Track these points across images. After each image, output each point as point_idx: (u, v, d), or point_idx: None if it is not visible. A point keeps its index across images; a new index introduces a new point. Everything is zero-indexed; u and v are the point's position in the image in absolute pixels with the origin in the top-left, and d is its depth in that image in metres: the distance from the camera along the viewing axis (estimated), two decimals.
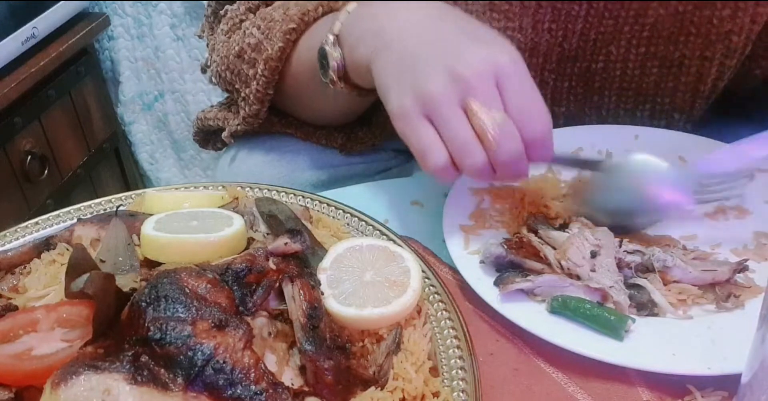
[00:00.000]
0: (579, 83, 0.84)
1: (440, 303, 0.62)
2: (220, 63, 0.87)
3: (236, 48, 0.83)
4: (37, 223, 0.74)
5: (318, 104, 0.86)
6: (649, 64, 0.80)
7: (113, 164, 2.03)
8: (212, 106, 0.95)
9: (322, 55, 0.72)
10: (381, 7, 0.68)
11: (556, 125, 0.86)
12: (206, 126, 0.94)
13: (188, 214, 0.65)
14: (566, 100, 0.86)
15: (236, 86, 0.85)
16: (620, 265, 0.64)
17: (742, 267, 0.63)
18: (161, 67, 1.94)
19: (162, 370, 0.47)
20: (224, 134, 0.89)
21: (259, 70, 0.80)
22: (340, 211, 0.73)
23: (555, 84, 0.85)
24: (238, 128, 0.87)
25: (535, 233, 0.69)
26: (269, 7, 0.83)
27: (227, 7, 0.89)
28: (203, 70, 0.93)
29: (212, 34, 0.92)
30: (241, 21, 0.86)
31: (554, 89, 0.86)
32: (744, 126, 0.66)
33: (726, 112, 0.85)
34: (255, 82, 0.81)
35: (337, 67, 0.71)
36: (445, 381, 0.55)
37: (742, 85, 0.84)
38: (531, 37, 0.81)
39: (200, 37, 0.95)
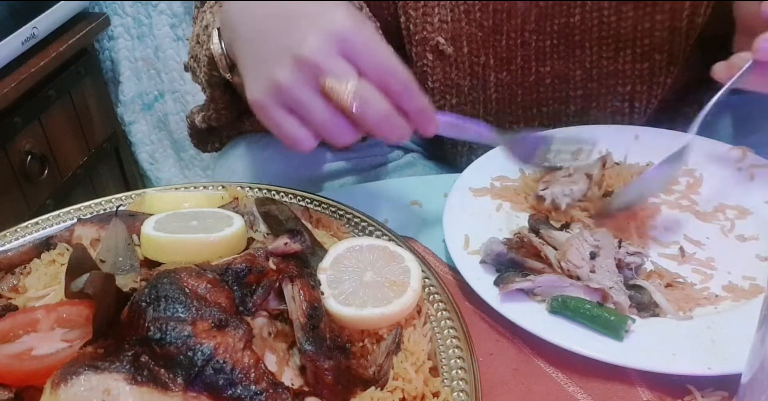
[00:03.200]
0: (560, 40, 0.85)
1: (440, 303, 0.62)
2: (188, 53, 0.87)
3: (195, 34, 0.83)
4: (37, 223, 0.74)
5: None
6: (623, 8, 0.82)
7: (113, 164, 2.03)
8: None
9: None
10: None
11: (543, 85, 0.89)
12: (194, 121, 0.94)
13: (188, 214, 0.65)
14: (550, 59, 0.87)
15: (197, 73, 0.86)
16: (620, 266, 0.64)
17: None
18: (161, 67, 1.94)
19: (162, 370, 0.47)
20: (197, 119, 0.89)
21: (204, 50, 0.80)
22: (340, 211, 0.73)
23: (537, 44, 0.86)
24: (212, 115, 0.87)
25: (536, 233, 0.69)
26: None
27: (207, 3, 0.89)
28: (186, 69, 0.93)
29: None
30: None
31: (537, 49, 0.87)
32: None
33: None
34: (203, 64, 0.81)
35: (225, 63, 0.72)
36: (445, 381, 0.55)
37: (722, 25, 0.84)
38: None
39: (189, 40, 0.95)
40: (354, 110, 0.58)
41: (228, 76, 0.74)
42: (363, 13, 0.63)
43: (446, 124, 0.66)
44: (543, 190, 0.73)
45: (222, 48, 0.72)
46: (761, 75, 0.65)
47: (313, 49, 0.59)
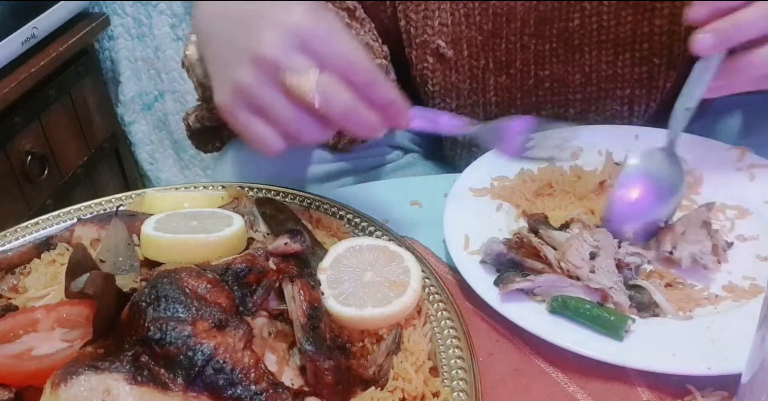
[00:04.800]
0: (559, 44, 0.86)
1: (440, 303, 0.62)
2: (184, 51, 0.87)
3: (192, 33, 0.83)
4: (37, 223, 0.74)
5: None
6: (623, 13, 0.82)
7: (113, 164, 2.03)
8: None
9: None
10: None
11: (542, 88, 0.89)
12: (188, 122, 0.94)
13: (188, 214, 0.65)
14: (549, 62, 0.87)
15: (190, 71, 0.86)
16: (620, 266, 0.64)
17: None
18: (161, 67, 1.94)
19: (162, 370, 0.47)
20: (191, 119, 0.88)
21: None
22: (340, 211, 0.73)
23: (536, 48, 0.86)
24: (206, 114, 0.87)
25: (536, 233, 0.69)
26: None
27: None
28: (182, 65, 0.93)
29: None
30: None
31: (536, 53, 0.87)
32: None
33: None
34: (197, 65, 0.80)
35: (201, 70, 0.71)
36: (445, 381, 0.55)
37: None
38: (507, 3, 0.83)
39: None
40: (317, 103, 0.57)
41: (204, 81, 0.72)
42: (326, 8, 0.62)
43: (418, 117, 0.65)
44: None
45: (197, 53, 0.71)
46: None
47: (269, 45, 0.57)
